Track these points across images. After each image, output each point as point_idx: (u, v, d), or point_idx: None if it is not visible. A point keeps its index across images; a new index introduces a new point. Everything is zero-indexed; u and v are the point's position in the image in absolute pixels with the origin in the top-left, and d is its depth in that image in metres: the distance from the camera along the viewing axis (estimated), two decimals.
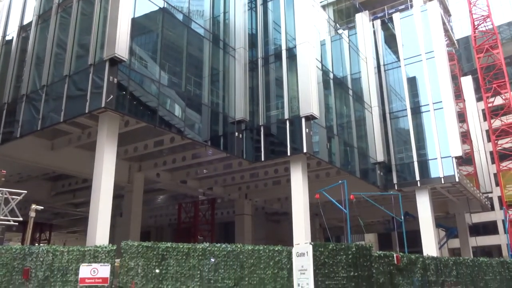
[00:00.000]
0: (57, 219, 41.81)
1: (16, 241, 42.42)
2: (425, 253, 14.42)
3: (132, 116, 17.05)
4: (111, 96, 15.26)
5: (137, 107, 17.26)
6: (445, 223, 37.26)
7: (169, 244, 10.72)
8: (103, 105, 15.13)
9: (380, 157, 27.90)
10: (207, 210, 36.37)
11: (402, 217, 22.17)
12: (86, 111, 15.78)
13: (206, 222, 36.09)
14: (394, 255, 12.34)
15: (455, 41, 40.18)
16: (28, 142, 19.59)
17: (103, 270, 9.96)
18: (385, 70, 30.74)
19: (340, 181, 20.20)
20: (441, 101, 27.89)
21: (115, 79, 15.55)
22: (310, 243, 11.00)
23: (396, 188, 27.95)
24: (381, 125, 29.06)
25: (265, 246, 11.20)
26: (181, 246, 10.72)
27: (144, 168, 25.34)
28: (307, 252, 10.68)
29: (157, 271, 10.32)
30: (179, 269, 10.48)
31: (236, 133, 21.25)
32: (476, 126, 40.31)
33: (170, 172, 27.02)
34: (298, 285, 10.63)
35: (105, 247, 10.39)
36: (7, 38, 21.81)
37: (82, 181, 27.56)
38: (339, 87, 26.38)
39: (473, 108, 41.01)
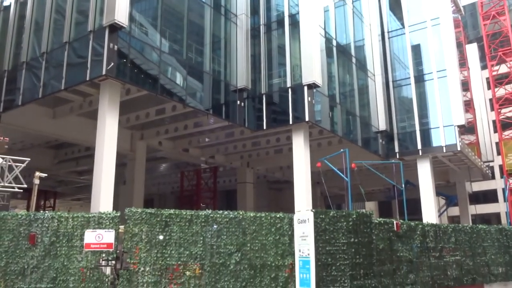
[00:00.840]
0: (61, 187, 42.30)
1: (22, 208, 43.05)
2: (424, 221, 14.60)
3: (133, 84, 16.94)
4: (112, 64, 15.13)
5: (138, 75, 17.14)
6: (446, 191, 37.54)
7: (172, 211, 10.84)
8: (103, 72, 15.03)
9: (382, 126, 27.86)
10: (209, 178, 36.65)
11: (403, 186, 22.34)
12: (87, 78, 15.68)
13: (209, 190, 36.44)
14: (394, 222, 12.50)
15: (461, 8, 39.27)
16: (30, 110, 19.57)
17: (108, 236, 10.14)
18: (389, 38, 30.25)
19: (341, 150, 20.26)
20: (445, 69, 27.56)
21: (116, 46, 15.37)
22: (311, 210, 11.12)
23: (397, 157, 28.04)
24: (384, 94, 28.86)
25: (267, 213, 11.33)
26: (184, 213, 10.85)
27: (146, 137, 25.39)
28: (308, 219, 10.83)
29: (161, 237, 10.49)
30: (182, 235, 10.64)
31: (238, 102, 21.16)
32: (480, 94, 39.93)
33: (172, 140, 27.09)
34: (299, 250, 10.83)
35: (109, 214, 10.53)
36: (5, 3, 21.42)
37: (85, 149, 27.69)
38: (342, 55, 26.04)
39: (477, 77, 40.51)
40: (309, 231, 10.72)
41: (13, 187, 12.10)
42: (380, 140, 27.99)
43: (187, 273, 10.49)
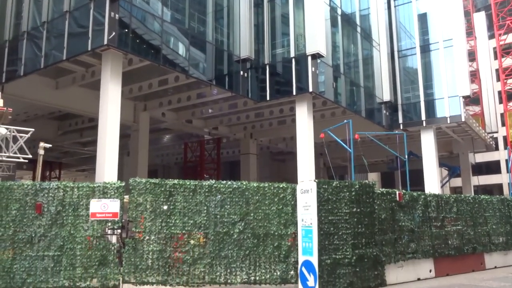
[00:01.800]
0: (66, 158, 42.62)
1: (28, 179, 43.55)
2: (427, 192, 14.67)
3: (135, 54, 16.78)
4: (113, 33, 14.95)
5: (140, 45, 16.95)
6: (449, 162, 37.60)
7: (176, 181, 10.92)
8: (105, 42, 14.86)
9: (386, 96, 27.66)
10: (212, 149, 36.77)
11: (406, 157, 22.38)
12: (89, 48, 15.52)
13: (212, 161, 36.63)
14: (397, 192, 12.57)
15: None
16: (33, 81, 19.49)
17: (113, 205, 10.26)
18: (395, 6, 29.64)
19: (345, 121, 20.20)
20: (451, 39, 27.11)
21: (117, 15, 15.14)
22: (314, 180, 11.18)
23: (401, 128, 27.96)
24: (388, 64, 28.52)
25: (270, 183, 11.40)
26: (188, 183, 10.93)
27: (150, 108, 25.36)
28: (311, 189, 10.90)
29: (165, 207, 10.61)
30: (186, 205, 10.75)
31: (241, 72, 20.97)
32: (486, 65, 39.38)
33: (175, 111, 27.06)
34: (302, 220, 10.95)
35: (114, 184, 10.62)
36: None
37: (89, 120, 27.73)
38: (347, 24, 25.58)
39: (484, 46, 39.87)
40: (312, 201, 10.82)
41: (18, 158, 12.19)
42: (384, 111, 27.85)
43: (192, 241, 10.66)
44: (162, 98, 24.58)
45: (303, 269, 10.71)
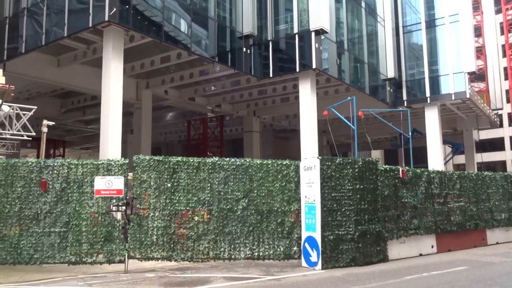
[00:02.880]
0: (70, 136, 42.74)
1: (32, 157, 43.80)
2: (430, 169, 14.67)
3: (137, 31, 16.60)
4: (114, 9, 14.76)
5: (142, 21, 16.74)
6: (452, 139, 37.51)
7: (179, 158, 10.95)
8: (106, 18, 14.71)
9: (391, 73, 27.41)
10: (215, 127, 36.75)
11: (410, 134, 22.31)
12: (90, 25, 15.36)
13: (215, 139, 36.66)
14: (400, 168, 12.57)
15: None
16: (34, 58, 19.36)
17: (117, 182, 10.32)
18: None
19: (349, 98, 20.08)
20: (457, 14, 26.68)
21: None
22: (318, 157, 11.19)
23: (405, 105, 27.81)
24: (393, 40, 28.15)
25: (274, 160, 11.41)
26: (191, 160, 10.96)
27: (152, 85, 25.24)
28: (314, 166, 10.92)
29: (169, 185, 10.67)
30: (190, 182, 10.81)
31: (244, 49, 20.76)
32: (492, 40, 38.81)
33: (178, 89, 26.94)
34: (305, 196, 11.01)
35: (118, 161, 10.66)
36: None
37: (91, 98, 27.68)
38: None
39: (491, 21, 39.20)
40: (315, 177, 10.84)
41: (21, 135, 12.21)
42: (388, 88, 27.63)
43: (196, 218, 10.76)
44: (165, 75, 24.43)
45: (306, 245, 10.83)
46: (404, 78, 28.44)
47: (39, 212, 10.24)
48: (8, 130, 12.05)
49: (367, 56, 26.06)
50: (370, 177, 11.50)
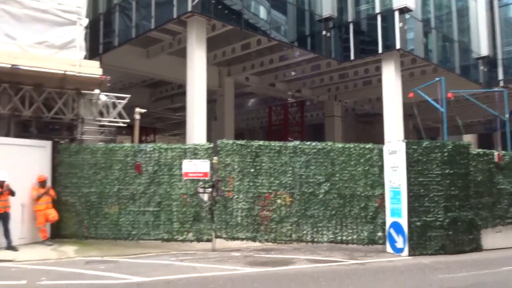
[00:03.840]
0: (159, 123, 45.19)
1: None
2: None
3: (218, 19, 17.08)
4: (196, 0, 15.32)
5: (222, 10, 17.18)
6: None
7: (261, 142, 11.20)
8: (189, 9, 15.36)
9: (484, 51, 25.35)
10: (296, 112, 36.69)
11: (507, 116, 20.57)
12: (174, 16, 16.13)
13: (296, 124, 36.62)
14: (495, 153, 11.70)
15: None
16: (126, 51, 20.69)
17: (203, 166, 10.82)
18: None
19: (437, 79, 18.94)
20: None
21: None
22: (403, 141, 10.81)
23: (501, 85, 25.62)
24: (487, 15, 25.91)
25: (356, 144, 11.23)
26: (273, 144, 11.16)
27: (233, 73, 25.82)
28: (399, 150, 10.52)
29: (252, 170, 10.96)
30: (271, 165, 11.01)
31: (324, 32, 20.43)
32: None
33: (258, 75, 27.27)
34: (390, 181, 10.68)
35: (203, 145, 11.18)
36: None
37: (178, 87, 28.97)
38: None
39: None
40: (400, 162, 10.48)
41: (117, 122, 13.22)
42: (481, 67, 25.63)
43: (278, 201, 10.97)
44: (245, 62, 24.84)
45: (392, 230, 10.56)
46: (499, 56, 26.15)
47: (134, 192, 11.10)
48: (106, 118, 13.10)
49: (457, 34, 24.31)
50: (461, 162, 10.85)
